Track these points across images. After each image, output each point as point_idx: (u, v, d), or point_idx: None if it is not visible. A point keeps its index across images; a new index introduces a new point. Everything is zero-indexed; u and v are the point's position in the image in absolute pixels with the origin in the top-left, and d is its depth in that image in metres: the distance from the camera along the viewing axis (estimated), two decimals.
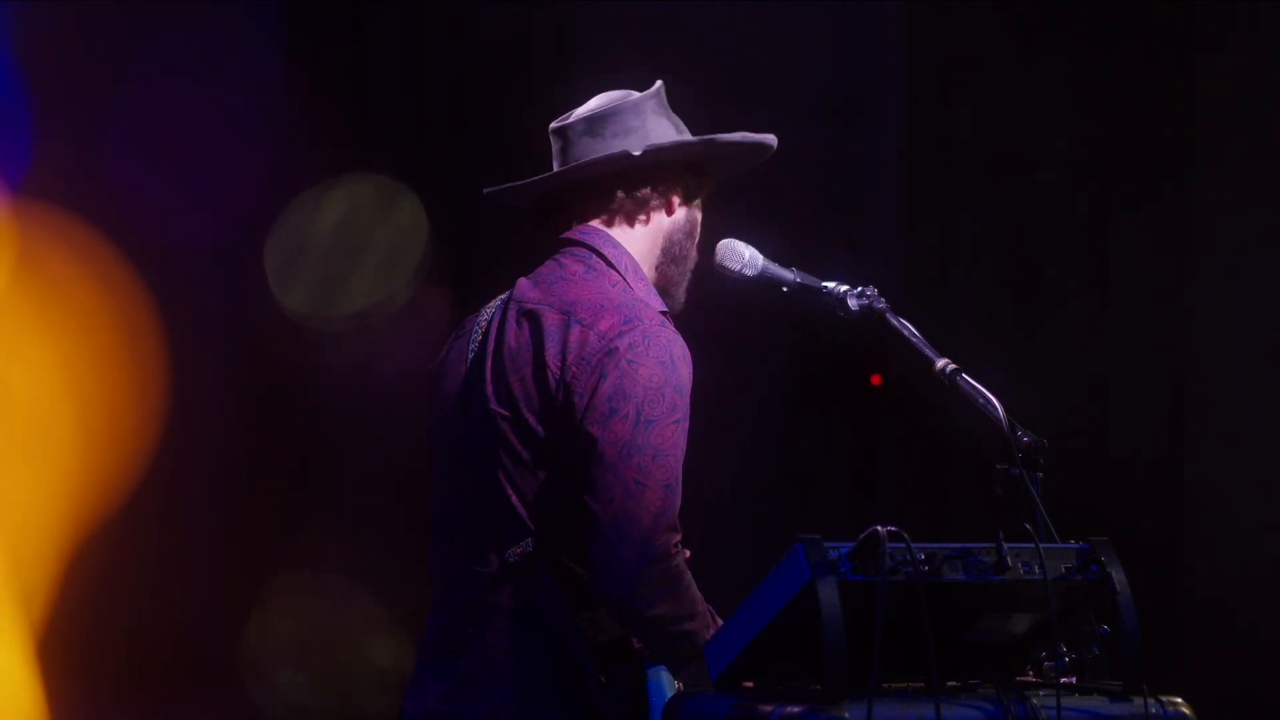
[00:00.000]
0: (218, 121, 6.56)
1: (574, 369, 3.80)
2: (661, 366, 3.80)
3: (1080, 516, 3.87)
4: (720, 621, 3.75)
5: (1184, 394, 7.33)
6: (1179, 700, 3.54)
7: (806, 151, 7.19)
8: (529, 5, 7.01)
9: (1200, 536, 7.28)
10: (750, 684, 3.52)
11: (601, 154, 3.99)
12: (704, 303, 4.63)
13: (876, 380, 7.27)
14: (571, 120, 4.04)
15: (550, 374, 3.82)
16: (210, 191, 6.52)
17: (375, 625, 6.63)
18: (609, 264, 3.96)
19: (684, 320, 4.01)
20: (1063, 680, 3.53)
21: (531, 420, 3.83)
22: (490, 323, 3.97)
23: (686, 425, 3.80)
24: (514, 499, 3.84)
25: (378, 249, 6.77)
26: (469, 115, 6.95)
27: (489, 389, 3.88)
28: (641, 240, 4.03)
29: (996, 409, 3.76)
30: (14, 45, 6.30)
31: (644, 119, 4.03)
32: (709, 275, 4.10)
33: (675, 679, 3.80)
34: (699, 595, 3.78)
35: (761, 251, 4.09)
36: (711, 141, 4.06)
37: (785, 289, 4.08)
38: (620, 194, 4.01)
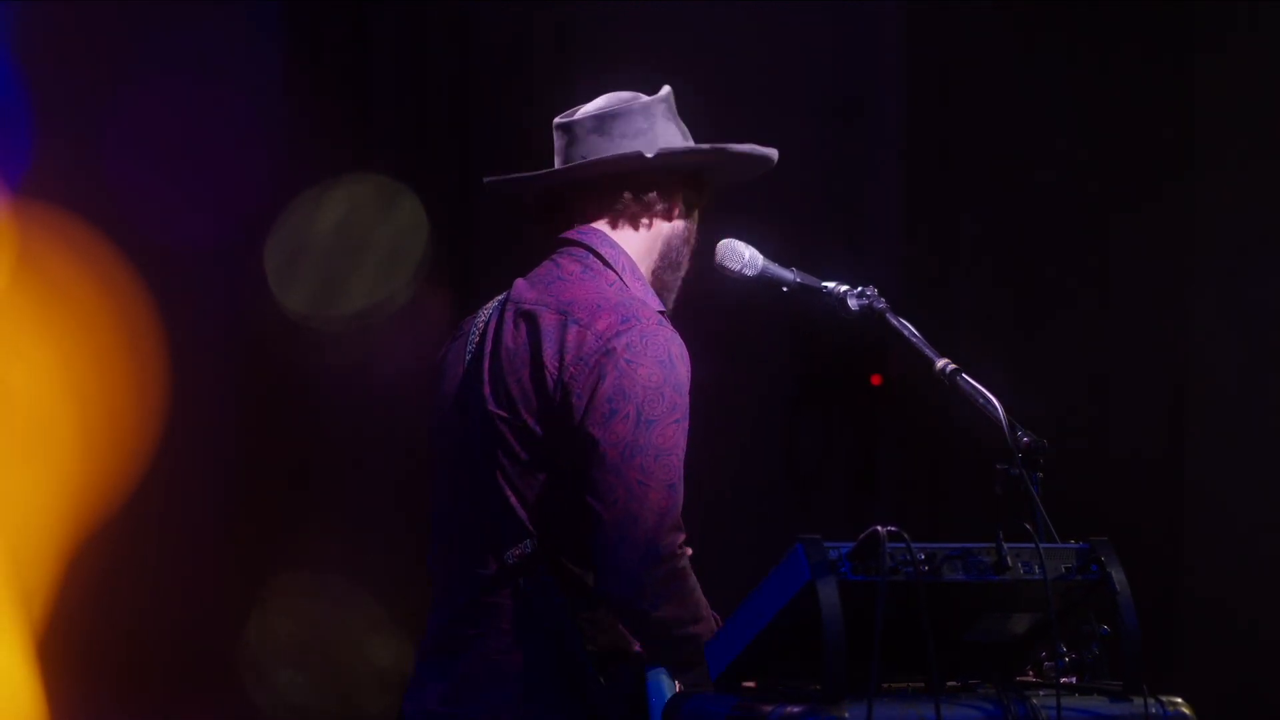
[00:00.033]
0: (218, 121, 6.56)
1: (572, 369, 3.80)
2: (660, 366, 3.80)
3: (1080, 516, 3.87)
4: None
5: (1184, 394, 7.33)
6: (1179, 700, 3.54)
7: (806, 151, 7.19)
8: (529, 5, 7.01)
9: (1200, 536, 7.28)
10: (750, 684, 3.52)
11: (611, 154, 3.99)
12: (704, 303, 4.64)
13: (876, 380, 7.27)
14: (579, 117, 4.03)
15: (548, 374, 3.82)
16: (210, 191, 6.52)
17: (375, 625, 6.63)
18: (606, 264, 3.96)
19: (684, 320, 4.01)
20: (1063, 680, 3.53)
21: (530, 421, 3.83)
22: (487, 324, 3.97)
23: (686, 424, 3.81)
24: (513, 500, 3.84)
25: (377, 249, 6.77)
26: (469, 115, 6.95)
27: (486, 390, 3.88)
28: (641, 243, 4.02)
29: (996, 409, 3.76)
30: (14, 45, 6.30)
31: (653, 122, 4.02)
32: (709, 275, 4.10)
33: (675, 680, 3.80)
34: (703, 599, 3.78)
35: (761, 251, 4.09)
36: (723, 151, 4.06)
37: (785, 289, 4.08)
38: (627, 196, 4.01)
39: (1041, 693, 3.49)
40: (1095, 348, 7.32)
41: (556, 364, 3.82)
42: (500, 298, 4.00)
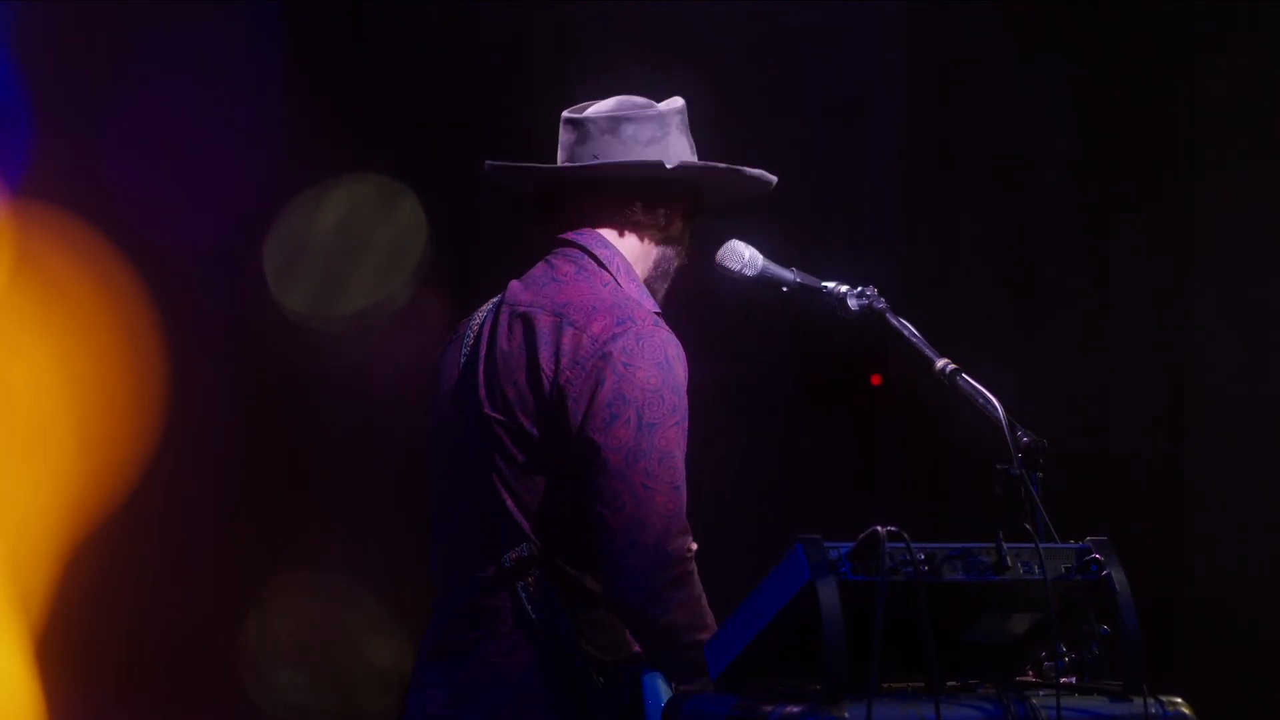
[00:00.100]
0: (218, 121, 6.56)
1: (568, 372, 3.80)
2: (658, 368, 3.79)
3: (1080, 516, 3.87)
4: None
5: (1184, 394, 7.33)
6: (1179, 700, 3.54)
7: (806, 151, 7.19)
8: (529, 5, 7.01)
9: (1200, 536, 7.28)
10: (750, 684, 3.51)
11: (628, 158, 3.98)
12: (704, 303, 4.64)
13: (876, 380, 7.27)
14: (591, 115, 4.02)
15: (544, 377, 3.81)
16: (210, 191, 6.52)
17: (375, 625, 6.63)
18: (600, 264, 3.96)
19: (684, 320, 4.01)
20: (1063, 680, 3.52)
21: (526, 424, 3.83)
22: (482, 326, 3.96)
23: (686, 425, 3.80)
24: (510, 503, 3.84)
25: (377, 249, 6.77)
26: (469, 115, 6.95)
27: (482, 393, 3.87)
28: (637, 249, 4.02)
29: (996, 409, 3.76)
30: (14, 45, 6.30)
31: (667, 132, 4.02)
32: (709, 275, 4.09)
33: (672, 684, 3.79)
34: (708, 609, 3.77)
35: (761, 251, 4.09)
36: (738, 172, 4.06)
37: (785, 289, 4.07)
38: (638, 203, 4.00)
39: (1041, 693, 3.49)
40: (1095, 348, 7.32)
41: (552, 367, 3.81)
42: (495, 300, 3.99)
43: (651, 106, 4.04)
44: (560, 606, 3.81)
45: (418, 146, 6.91)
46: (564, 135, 4.04)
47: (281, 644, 6.61)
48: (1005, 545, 3.45)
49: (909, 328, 3.94)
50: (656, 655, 3.77)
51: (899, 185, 7.34)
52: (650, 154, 3.99)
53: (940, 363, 3.88)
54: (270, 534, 6.62)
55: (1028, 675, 3.63)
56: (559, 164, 4.03)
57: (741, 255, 4.08)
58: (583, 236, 3.99)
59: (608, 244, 3.98)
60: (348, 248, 6.75)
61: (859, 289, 4.01)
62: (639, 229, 4.01)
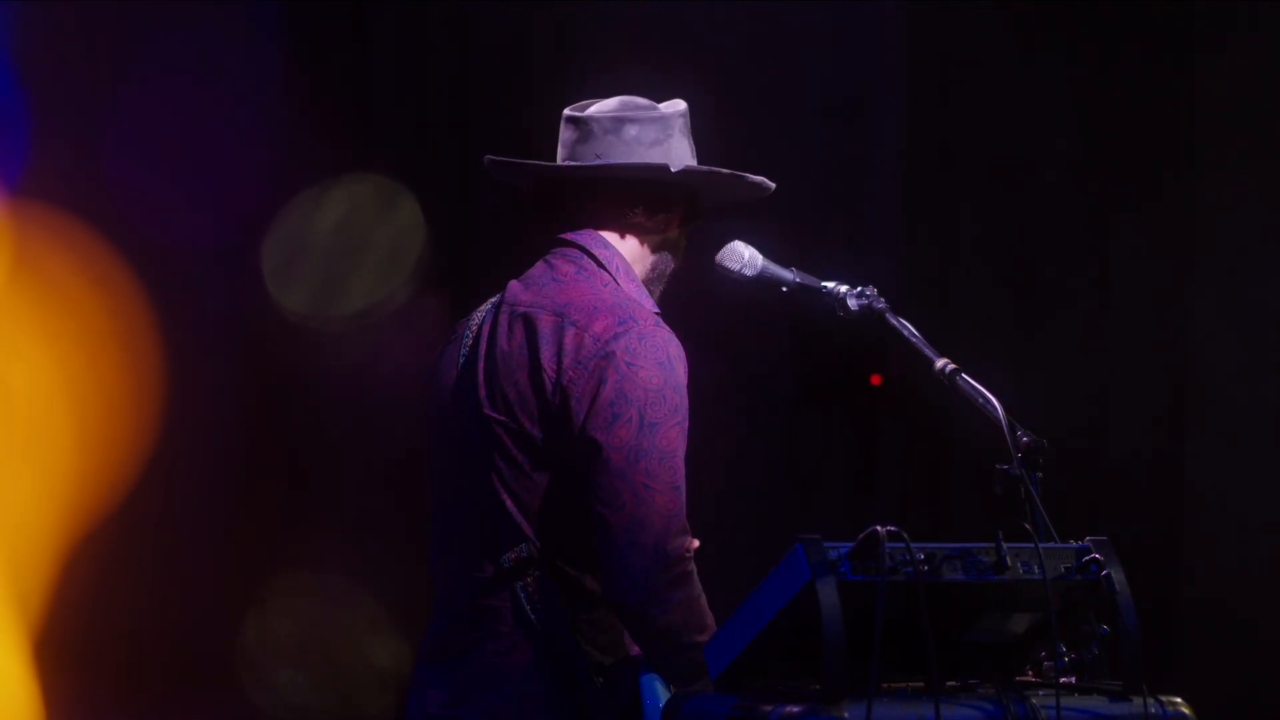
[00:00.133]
0: (218, 121, 6.56)
1: (570, 372, 3.80)
2: (660, 368, 3.79)
3: (1080, 517, 3.87)
4: None
5: (1184, 394, 7.33)
6: (1179, 700, 3.54)
7: (806, 151, 7.19)
8: (529, 5, 7.01)
9: (1200, 536, 7.28)
10: (750, 684, 3.51)
11: (632, 159, 3.97)
12: (704, 303, 4.64)
13: (876, 380, 7.27)
14: (594, 114, 4.01)
15: (546, 377, 3.81)
16: (210, 191, 6.52)
17: (375, 625, 6.63)
18: (600, 264, 3.95)
19: (684, 320, 4.01)
20: (1062, 680, 3.52)
21: (527, 424, 3.82)
22: (481, 326, 3.96)
23: (687, 425, 3.80)
24: (509, 503, 3.84)
25: (376, 249, 6.77)
26: (469, 115, 6.95)
27: (482, 394, 3.87)
28: (635, 250, 4.01)
29: (996, 409, 3.76)
30: (14, 45, 6.30)
31: (670, 135, 4.01)
32: (709, 275, 4.09)
33: (670, 685, 3.79)
34: (708, 610, 3.77)
35: (761, 251, 4.08)
36: (740, 178, 4.06)
37: (785, 289, 4.07)
38: (639, 206, 4.00)
39: (1041, 693, 3.49)
40: (1095, 348, 7.32)
41: (554, 367, 3.81)
42: (494, 300, 3.99)
43: (654, 108, 4.03)
44: (560, 607, 3.81)
45: (418, 146, 6.91)
46: (565, 133, 4.03)
47: (281, 644, 6.61)
48: (1005, 545, 3.45)
49: (909, 328, 3.94)
50: (656, 656, 3.77)
51: (899, 185, 7.34)
52: (653, 156, 3.99)
53: (940, 363, 3.88)
54: (270, 534, 6.63)
55: (1028, 675, 3.63)
56: (560, 161, 4.02)
57: (741, 255, 4.08)
58: (582, 237, 3.99)
59: (607, 244, 3.98)
60: (347, 248, 6.75)
61: (859, 289, 4.01)
62: (638, 231, 4.01)
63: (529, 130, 4.52)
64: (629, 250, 4.00)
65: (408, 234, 6.76)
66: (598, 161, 3.98)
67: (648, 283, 4.02)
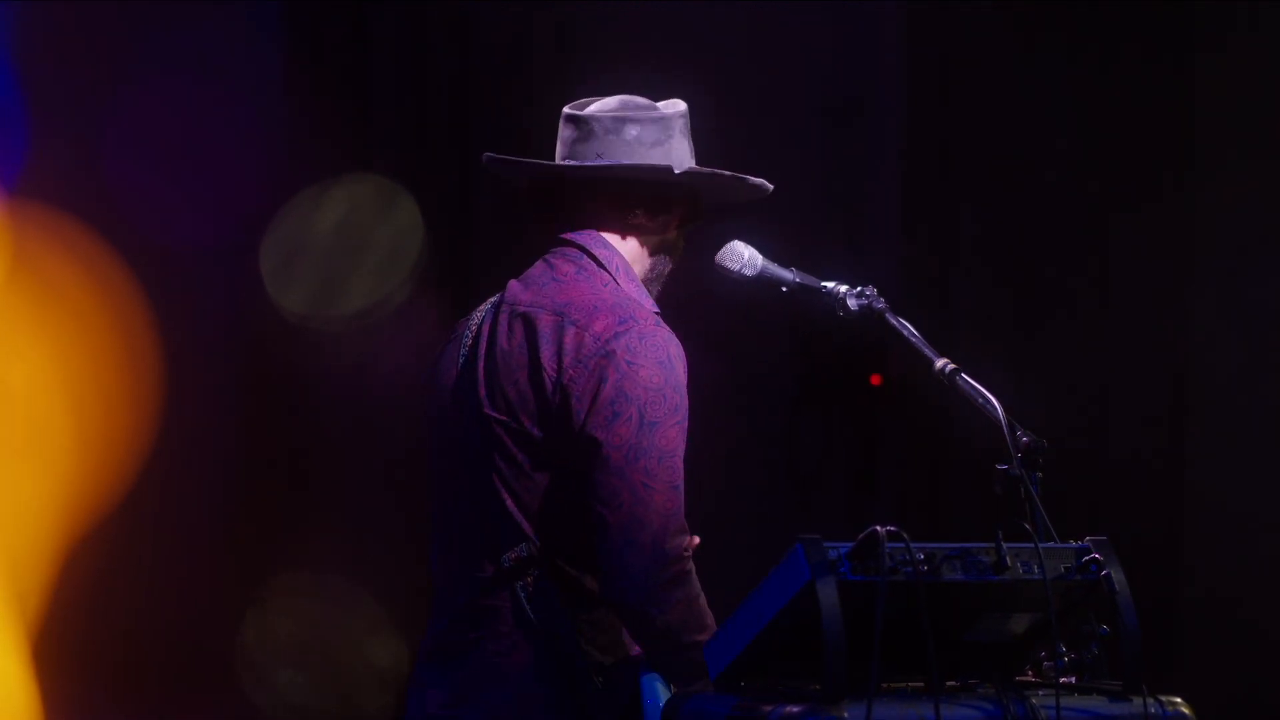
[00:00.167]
0: (218, 121, 6.56)
1: (570, 372, 3.80)
2: (660, 367, 3.79)
3: (1080, 517, 3.87)
4: None
5: (1184, 394, 7.33)
6: (1179, 700, 3.54)
7: (806, 151, 7.19)
8: (529, 5, 7.01)
9: (1200, 536, 7.28)
10: (750, 684, 3.51)
11: (633, 160, 3.97)
12: (704, 303, 4.63)
13: (876, 380, 7.26)
14: (595, 112, 4.01)
15: (546, 377, 3.81)
16: (210, 191, 6.51)
17: (375, 625, 6.63)
18: (600, 264, 3.95)
19: (684, 320, 4.01)
20: (1062, 680, 3.52)
21: (528, 424, 3.82)
22: (480, 326, 3.96)
23: (686, 425, 3.80)
24: (509, 503, 3.84)
25: (374, 249, 6.77)
26: (469, 115, 6.95)
27: (482, 393, 3.87)
28: (635, 250, 4.01)
29: (996, 409, 3.76)
30: (14, 45, 6.30)
31: (670, 135, 4.01)
32: (709, 275, 4.09)
33: (670, 685, 3.79)
34: (707, 609, 3.77)
35: (761, 251, 4.08)
36: (742, 180, 4.06)
37: (785, 289, 4.07)
38: (641, 207, 3.99)
39: (1041, 692, 3.49)
40: (1095, 347, 7.32)
41: (555, 366, 3.81)
42: (494, 299, 3.99)
43: (654, 109, 4.03)
44: (560, 606, 3.81)
45: (418, 146, 6.91)
46: (564, 131, 4.03)
47: (281, 644, 6.61)
48: (1005, 545, 3.45)
49: (908, 328, 3.94)
50: (655, 655, 3.77)
51: (899, 185, 7.34)
52: (654, 157, 3.99)
53: (940, 362, 3.88)
54: (269, 534, 6.62)
55: (1027, 675, 3.63)
56: (559, 160, 4.02)
57: (741, 255, 4.08)
58: (582, 236, 3.99)
59: (607, 244, 3.98)
60: (346, 248, 6.75)
61: (859, 289, 4.01)
62: (638, 231, 4.01)
63: (529, 130, 4.52)
64: (629, 250, 4.00)
65: (407, 234, 6.76)
66: (600, 162, 3.97)
67: (646, 283, 4.02)
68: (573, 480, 3.79)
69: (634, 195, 3.99)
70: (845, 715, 3.28)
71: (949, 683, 3.50)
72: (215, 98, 6.55)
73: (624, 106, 4.01)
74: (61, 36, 6.36)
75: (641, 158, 3.97)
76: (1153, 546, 7.11)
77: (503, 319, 3.91)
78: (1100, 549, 3.53)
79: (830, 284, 4.04)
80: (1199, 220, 7.31)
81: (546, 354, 3.82)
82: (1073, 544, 3.56)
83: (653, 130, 4.00)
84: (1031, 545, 3.50)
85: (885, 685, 3.41)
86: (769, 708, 3.35)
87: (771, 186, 4.10)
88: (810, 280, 4.06)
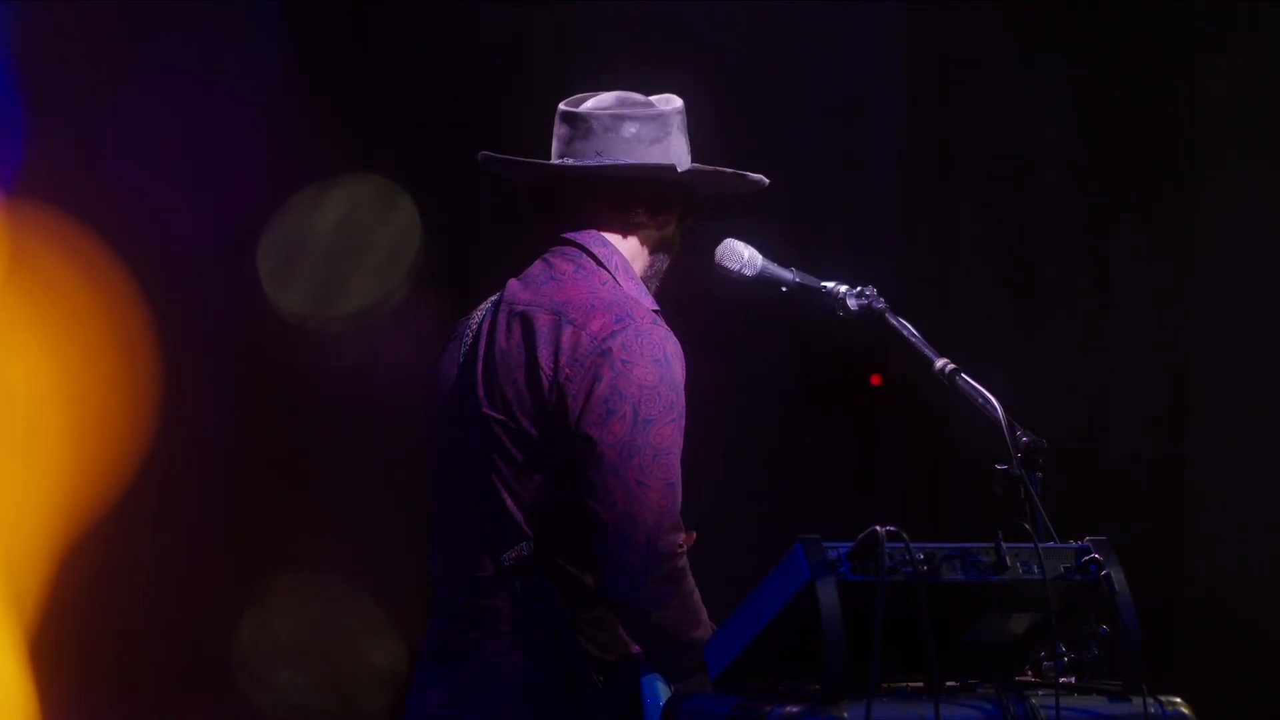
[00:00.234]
0: (218, 121, 6.56)
1: (567, 370, 3.80)
2: (656, 365, 3.79)
3: (1080, 516, 3.87)
4: None
5: (1184, 394, 7.33)
6: (1179, 700, 3.54)
7: (806, 151, 7.19)
8: (529, 5, 7.01)
9: (1200, 536, 7.28)
10: (750, 684, 3.51)
11: (633, 158, 3.97)
12: (704, 303, 4.63)
13: (876, 380, 7.26)
14: (593, 110, 4.00)
15: (543, 376, 3.81)
16: (210, 192, 6.51)
17: (374, 625, 6.63)
18: (599, 263, 3.95)
19: (684, 320, 4.00)
20: (1062, 680, 3.52)
21: (525, 423, 3.82)
22: (480, 325, 3.96)
23: (683, 423, 3.80)
24: (509, 503, 3.84)
25: (373, 249, 6.77)
26: (469, 115, 6.95)
27: (481, 393, 3.87)
28: (634, 247, 4.01)
29: (996, 409, 3.76)
30: (14, 45, 6.30)
31: (669, 133, 4.01)
32: (708, 275, 4.09)
33: (670, 684, 3.79)
34: (702, 605, 3.78)
35: (761, 251, 4.08)
36: (743, 176, 4.06)
37: (785, 289, 4.07)
38: (642, 206, 3.99)
39: (1041, 692, 3.49)
40: (1095, 348, 7.32)
41: (552, 365, 3.81)
42: (494, 299, 3.99)
43: (651, 105, 4.03)
44: (560, 605, 3.81)
45: (418, 146, 6.91)
46: (560, 128, 4.02)
47: (280, 644, 6.61)
48: (1004, 545, 3.45)
49: (908, 327, 3.94)
50: (653, 651, 3.77)
51: (899, 185, 7.34)
52: (653, 155, 3.98)
53: (940, 362, 3.88)
54: (269, 534, 6.62)
55: (1027, 675, 3.63)
56: (557, 158, 4.02)
57: (741, 255, 4.07)
58: (582, 236, 3.98)
59: (607, 243, 3.98)
60: (344, 248, 6.75)
61: (858, 289, 4.00)
62: (639, 230, 4.01)
63: (529, 130, 4.51)
64: (628, 249, 4.00)
65: (406, 234, 6.76)
66: (600, 161, 3.97)
67: (646, 280, 4.02)
68: (571, 479, 3.79)
69: (635, 194, 3.99)
70: (845, 715, 3.28)
71: (949, 683, 3.50)
72: (215, 98, 6.55)
73: (621, 103, 4.01)
74: (61, 36, 6.36)
75: (641, 156, 3.97)
76: (1153, 546, 7.11)
77: (501, 318, 3.91)
78: (1100, 549, 3.53)
79: (830, 284, 4.04)
80: (1199, 220, 7.31)
81: (544, 353, 3.82)
82: (1073, 544, 3.56)
83: (651, 128, 4.00)
84: (1031, 545, 3.50)
85: (885, 685, 3.41)
86: (769, 708, 3.35)
87: (768, 180, 4.10)
88: (810, 280, 4.06)
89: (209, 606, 6.50)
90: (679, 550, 3.74)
